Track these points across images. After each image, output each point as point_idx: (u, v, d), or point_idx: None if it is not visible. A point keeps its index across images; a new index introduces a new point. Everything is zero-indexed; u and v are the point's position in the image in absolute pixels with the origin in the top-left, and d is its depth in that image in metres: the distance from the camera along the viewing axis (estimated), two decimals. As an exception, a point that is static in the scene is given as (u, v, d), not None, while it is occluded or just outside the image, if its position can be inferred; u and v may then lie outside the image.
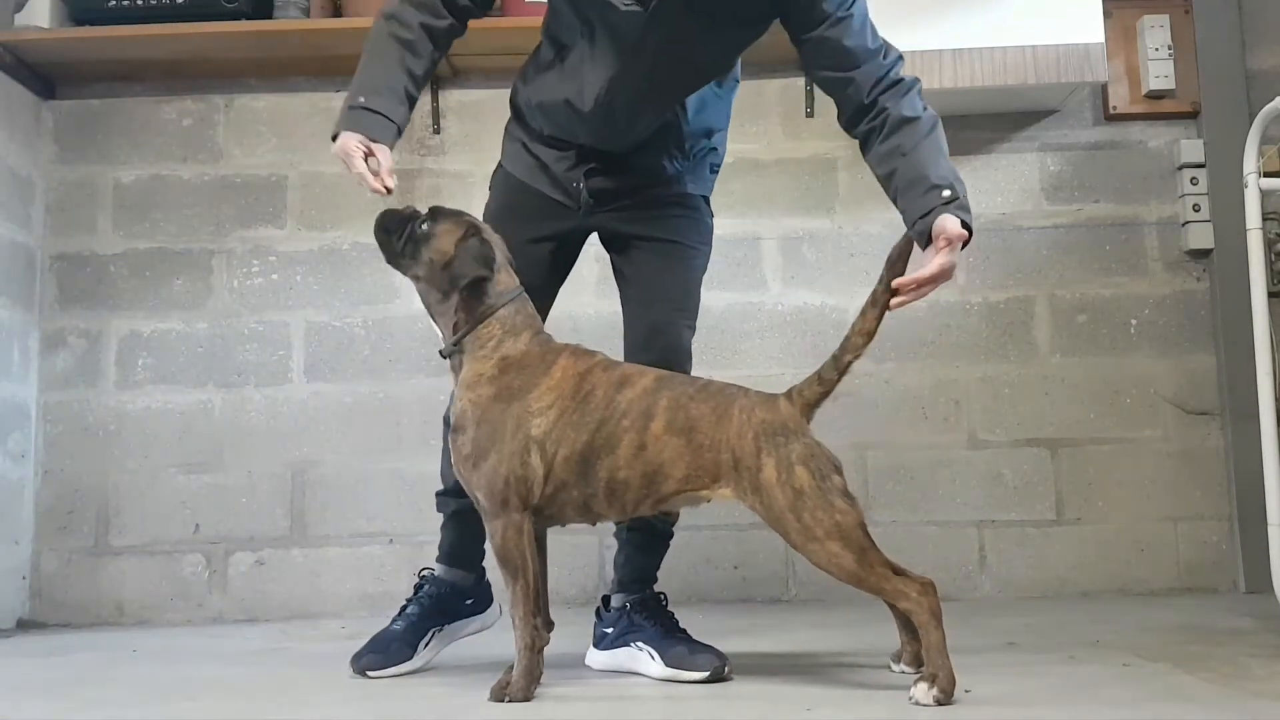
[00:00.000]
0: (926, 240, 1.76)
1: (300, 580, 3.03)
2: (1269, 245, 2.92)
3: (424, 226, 1.82)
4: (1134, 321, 3.13)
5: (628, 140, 2.01)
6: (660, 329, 2.04)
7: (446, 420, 1.86)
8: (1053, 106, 3.17)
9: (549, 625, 1.80)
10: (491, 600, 2.17)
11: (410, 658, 2.00)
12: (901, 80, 1.85)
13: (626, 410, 1.74)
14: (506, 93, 2.16)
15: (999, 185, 3.18)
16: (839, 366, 1.72)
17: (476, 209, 2.03)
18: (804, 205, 3.17)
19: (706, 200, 2.15)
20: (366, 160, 1.83)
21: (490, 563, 1.98)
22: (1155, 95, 3.17)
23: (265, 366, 3.11)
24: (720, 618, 2.62)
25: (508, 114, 2.15)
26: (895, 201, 1.82)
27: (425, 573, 2.13)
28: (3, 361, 2.94)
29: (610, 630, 2.03)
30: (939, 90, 2.88)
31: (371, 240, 1.88)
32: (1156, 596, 2.95)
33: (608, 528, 2.08)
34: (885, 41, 1.89)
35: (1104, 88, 3.15)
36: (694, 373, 2.01)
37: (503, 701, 1.70)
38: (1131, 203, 3.17)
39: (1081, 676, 1.82)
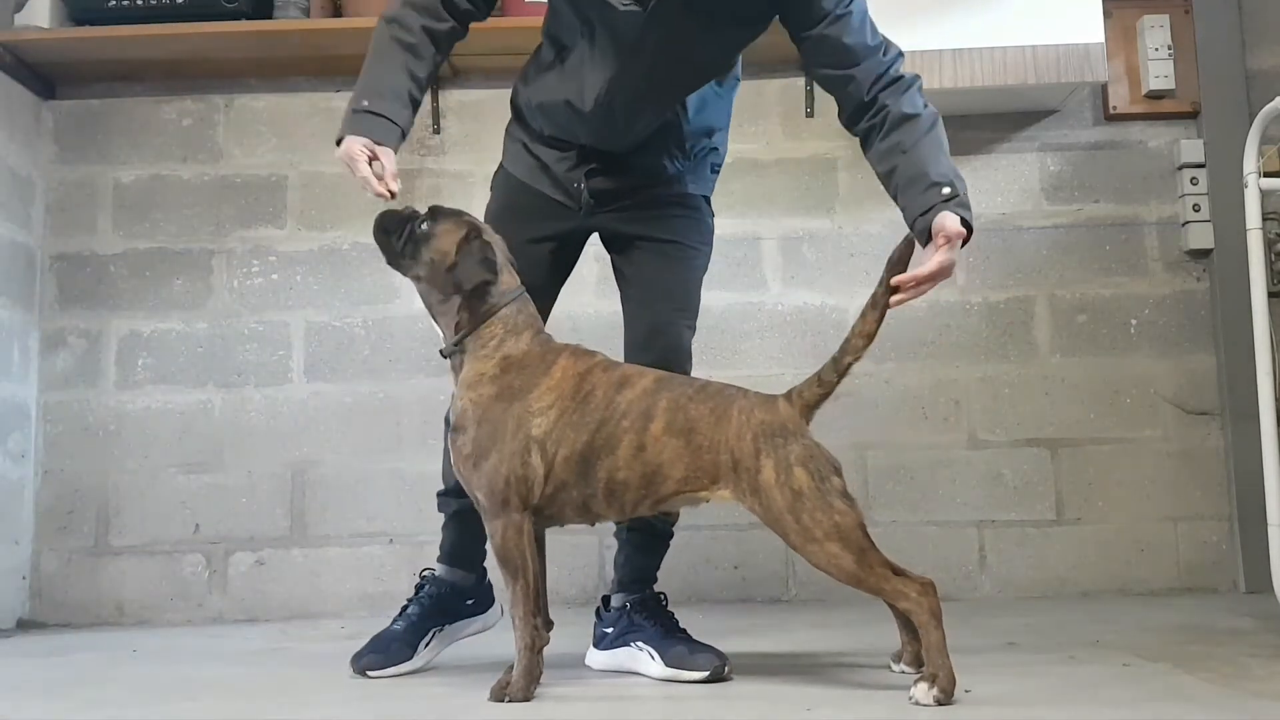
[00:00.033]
0: (926, 238, 1.76)
1: (300, 580, 3.03)
2: (1269, 245, 2.92)
3: (424, 226, 1.82)
4: (1134, 321, 3.13)
5: (628, 140, 2.02)
6: (660, 329, 2.04)
7: (448, 420, 1.86)
8: (1053, 106, 3.17)
9: (549, 625, 1.80)
10: (493, 601, 2.17)
11: (410, 658, 2.00)
12: (902, 77, 1.85)
13: (626, 411, 1.74)
14: (506, 93, 2.16)
15: (999, 185, 3.18)
16: (839, 368, 1.72)
17: (476, 209, 2.03)
18: (804, 205, 3.17)
19: (707, 200, 2.15)
20: (371, 164, 1.84)
21: (490, 563, 1.98)
22: (1155, 95, 3.17)
23: (265, 366, 3.11)
24: (720, 618, 2.62)
25: (508, 114, 2.16)
26: (895, 199, 1.82)
27: (426, 573, 2.13)
28: (3, 361, 2.94)
29: (610, 630, 2.03)
30: (939, 90, 2.87)
31: (371, 240, 1.88)
32: (1156, 596, 2.95)
33: (608, 528, 2.08)
34: (885, 38, 1.89)
35: (1104, 88, 3.15)
36: (694, 373, 2.01)
37: (503, 701, 1.70)
38: (1131, 203, 3.17)
39: (1081, 676, 1.82)
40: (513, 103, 2.13)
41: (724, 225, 2.27)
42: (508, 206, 2.09)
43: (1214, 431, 3.07)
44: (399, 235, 1.83)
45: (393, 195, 1.84)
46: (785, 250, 3.16)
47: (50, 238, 3.15)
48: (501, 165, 2.15)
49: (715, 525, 2.96)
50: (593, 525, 1.84)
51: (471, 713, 1.66)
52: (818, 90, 3.15)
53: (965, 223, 1.75)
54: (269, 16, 3.05)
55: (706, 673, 1.86)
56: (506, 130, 2.16)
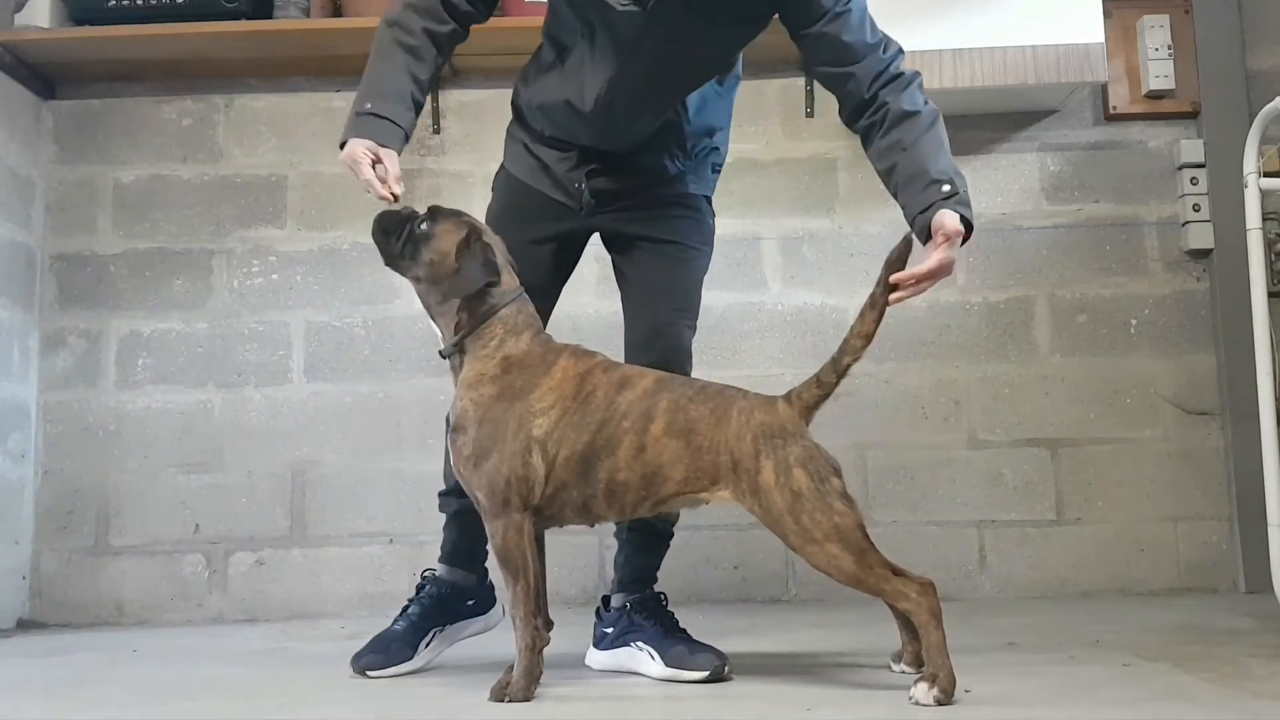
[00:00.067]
0: (926, 236, 1.76)
1: (300, 580, 3.03)
2: (1269, 245, 2.92)
3: (423, 227, 1.82)
4: (1134, 321, 3.13)
5: (628, 140, 2.02)
6: (661, 329, 2.04)
7: (448, 421, 1.86)
8: (1053, 106, 3.17)
9: (549, 625, 1.80)
10: (494, 602, 2.17)
11: (410, 658, 2.00)
12: (902, 74, 1.85)
13: (627, 412, 1.74)
14: (506, 93, 2.16)
15: (999, 185, 3.18)
16: (838, 369, 1.72)
17: (476, 209, 2.03)
18: (804, 205, 3.17)
19: (708, 200, 2.15)
20: (374, 167, 1.84)
21: (491, 563, 1.98)
22: (1155, 95, 3.17)
23: (265, 366, 3.11)
24: (720, 618, 2.62)
25: (508, 114, 2.16)
26: (895, 196, 1.83)
27: (427, 573, 2.13)
28: (3, 361, 2.94)
29: (610, 630, 2.03)
30: (939, 90, 2.87)
31: (371, 240, 1.88)
32: (1156, 596, 2.95)
33: (608, 528, 2.08)
34: (885, 35, 1.89)
35: (1104, 88, 3.15)
36: (694, 373, 2.01)
37: (503, 701, 1.70)
38: (1131, 203, 3.17)
39: (1081, 676, 1.82)
40: (513, 103, 2.13)
41: (724, 225, 2.27)
42: (509, 207, 2.09)
43: (1214, 431, 3.07)
44: (398, 236, 1.83)
45: (396, 198, 1.84)
46: (785, 250, 3.16)
47: (50, 238, 3.15)
48: (503, 166, 2.15)
49: (715, 525, 2.96)
50: (592, 526, 1.84)
51: (471, 713, 1.66)
52: (818, 90, 3.16)
53: (966, 220, 1.75)
54: (269, 16, 3.05)
55: (706, 673, 1.86)
56: (507, 131, 2.16)
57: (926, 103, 1.84)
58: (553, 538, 1.88)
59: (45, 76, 3.15)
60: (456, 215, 1.85)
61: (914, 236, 1.77)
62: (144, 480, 3.06)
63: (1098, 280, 3.14)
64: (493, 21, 2.08)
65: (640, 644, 1.96)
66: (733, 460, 1.70)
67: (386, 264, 1.87)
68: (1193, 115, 3.17)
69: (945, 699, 1.58)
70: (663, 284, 2.06)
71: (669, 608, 2.05)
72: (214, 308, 3.14)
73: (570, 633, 2.05)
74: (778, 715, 1.59)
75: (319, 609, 3.01)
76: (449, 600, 2.09)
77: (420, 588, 2.11)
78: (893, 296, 1.71)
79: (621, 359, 1.95)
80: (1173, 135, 3.18)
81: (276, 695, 1.86)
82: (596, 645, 2.05)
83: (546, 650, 1.76)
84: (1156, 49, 3.13)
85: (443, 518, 2.11)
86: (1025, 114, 3.18)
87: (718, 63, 2.02)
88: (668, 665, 1.90)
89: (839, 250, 3.16)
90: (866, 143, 1.88)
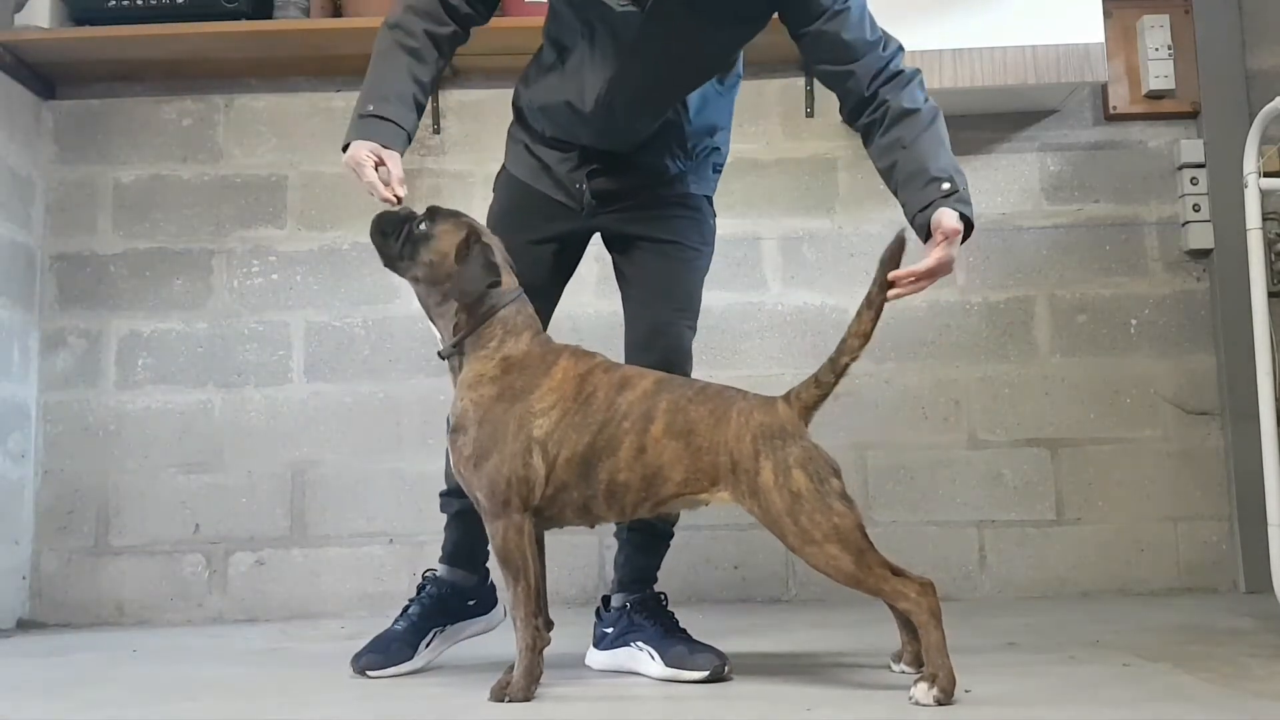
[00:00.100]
0: (926, 234, 1.76)
1: (300, 580, 3.03)
2: (1269, 245, 2.91)
3: (422, 227, 1.82)
4: (1134, 321, 3.13)
5: (629, 140, 2.02)
6: (661, 329, 2.04)
7: (449, 421, 1.86)
8: (1053, 106, 3.17)
9: (549, 625, 1.80)
10: (495, 603, 2.17)
11: (411, 658, 2.00)
12: (902, 72, 1.85)
13: (627, 412, 1.74)
14: (507, 93, 2.16)
15: (999, 185, 3.18)
16: (836, 369, 1.72)
17: (476, 209, 2.03)
18: (804, 205, 3.17)
19: (709, 200, 2.15)
20: (377, 169, 1.84)
21: (492, 563, 1.98)
22: (1155, 95, 3.17)
23: (265, 366, 3.11)
24: (720, 618, 2.62)
25: (508, 114, 2.16)
26: (896, 194, 1.82)
27: (428, 573, 2.13)
28: (3, 361, 2.94)
29: (610, 630, 2.03)
30: (939, 90, 2.87)
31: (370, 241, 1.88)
32: (1156, 596, 2.95)
33: (608, 528, 2.08)
34: (885, 33, 1.89)
35: (1104, 88, 3.15)
36: (694, 373, 2.01)
37: (503, 701, 1.70)
38: (1131, 203, 3.17)
39: (1081, 676, 1.82)
40: (514, 104, 2.14)
41: (724, 225, 2.27)
42: (510, 208, 2.10)
43: (1214, 431, 3.07)
44: (396, 237, 1.83)
45: (399, 200, 1.84)
46: (785, 250, 3.16)
47: (50, 238, 3.15)
48: (504, 167, 2.15)
49: (715, 525, 2.96)
50: (592, 527, 1.84)
51: (471, 713, 1.66)
52: (818, 90, 3.16)
53: (966, 218, 1.75)
54: (269, 16, 3.05)
55: (706, 673, 1.86)
56: (508, 132, 2.16)
57: (927, 100, 1.84)
58: (553, 538, 1.88)
59: (45, 76, 3.15)
60: (455, 216, 1.84)
61: (911, 233, 1.77)
62: (144, 480, 3.06)
63: (1098, 280, 3.14)
64: (493, 21, 2.09)
65: (640, 644, 1.96)
66: (732, 461, 1.70)
67: (385, 265, 1.86)
68: (1193, 115, 3.17)
69: (945, 699, 1.58)
70: (663, 284, 2.06)
71: (669, 608, 2.05)
72: (214, 308, 3.14)
73: (570, 633, 2.05)
74: (778, 715, 1.59)
75: (319, 609, 3.01)
76: (449, 600, 2.09)
77: (421, 588, 2.11)
78: (890, 293, 1.71)
79: (621, 359, 1.95)
80: (1173, 135, 3.18)
81: (276, 695, 1.86)
82: (596, 645, 2.05)
83: (547, 650, 1.76)
84: (1156, 49, 3.13)
85: (443, 518, 2.11)
86: (1025, 114, 3.18)
87: (717, 62, 2.02)
88: (668, 665, 1.90)
89: (839, 250, 3.16)
90: (867, 141, 1.88)
